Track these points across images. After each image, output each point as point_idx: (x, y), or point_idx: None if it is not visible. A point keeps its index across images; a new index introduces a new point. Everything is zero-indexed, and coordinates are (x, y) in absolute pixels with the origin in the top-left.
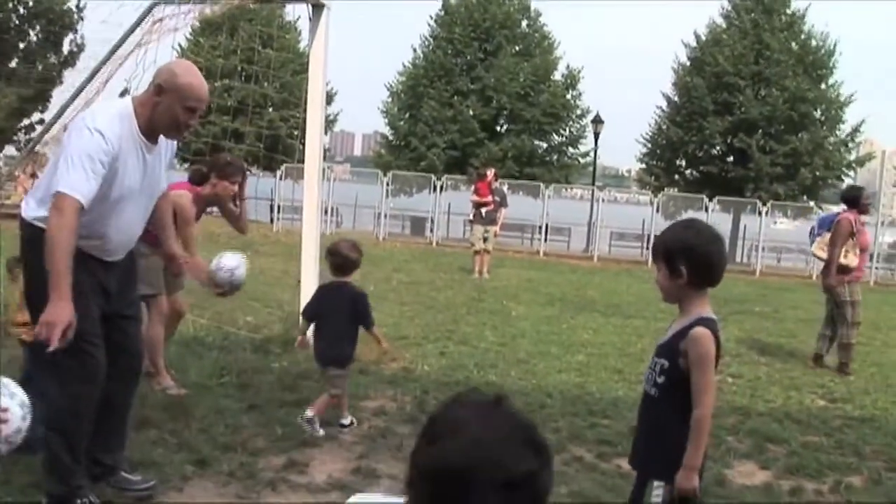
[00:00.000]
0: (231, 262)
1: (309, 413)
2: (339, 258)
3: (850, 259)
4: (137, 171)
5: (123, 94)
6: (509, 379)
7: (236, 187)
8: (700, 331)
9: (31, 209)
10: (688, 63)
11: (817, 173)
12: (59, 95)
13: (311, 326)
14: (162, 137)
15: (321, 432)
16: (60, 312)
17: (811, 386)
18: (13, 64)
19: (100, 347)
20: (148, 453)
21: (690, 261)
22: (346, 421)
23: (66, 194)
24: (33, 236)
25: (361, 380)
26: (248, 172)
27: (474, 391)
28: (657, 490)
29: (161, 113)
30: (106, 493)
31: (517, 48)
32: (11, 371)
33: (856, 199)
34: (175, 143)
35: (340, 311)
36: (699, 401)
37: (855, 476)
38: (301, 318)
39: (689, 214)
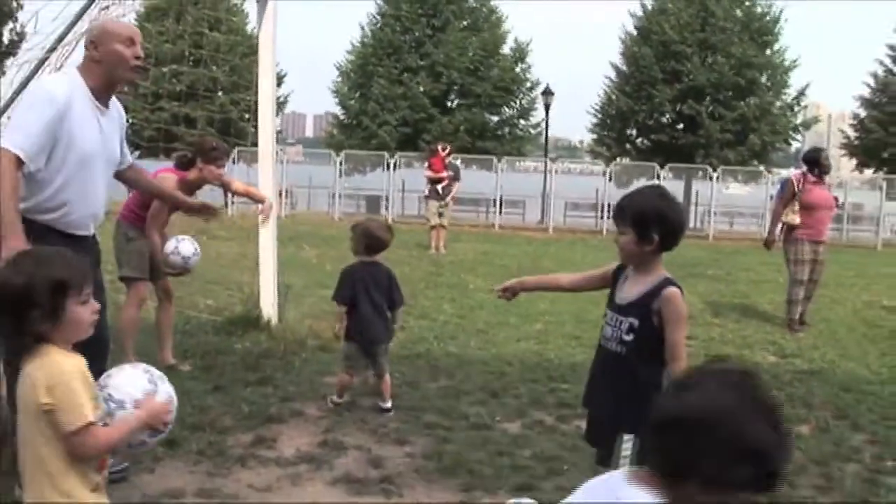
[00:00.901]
0: (188, 250)
1: (387, 405)
2: (372, 239)
3: (790, 217)
4: (94, 135)
5: None
6: (469, 349)
7: (222, 171)
8: (674, 290)
9: None
10: (635, 32)
11: (765, 138)
12: (2, 86)
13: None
14: (114, 105)
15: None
16: (19, 244)
17: (763, 343)
18: None
19: None
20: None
21: (664, 229)
22: (388, 405)
23: (5, 148)
24: None
25: (324, 357)
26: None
27: (728, 362)
28: (627, 443)
29: (107, 61)
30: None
31: (465, 23)
32: None
33: (815, 160)
34: (124, 114)
35: (377, 290)
36: (676, 355)
37: (804, 426)
38: (336, 304)
39: (642, 182)
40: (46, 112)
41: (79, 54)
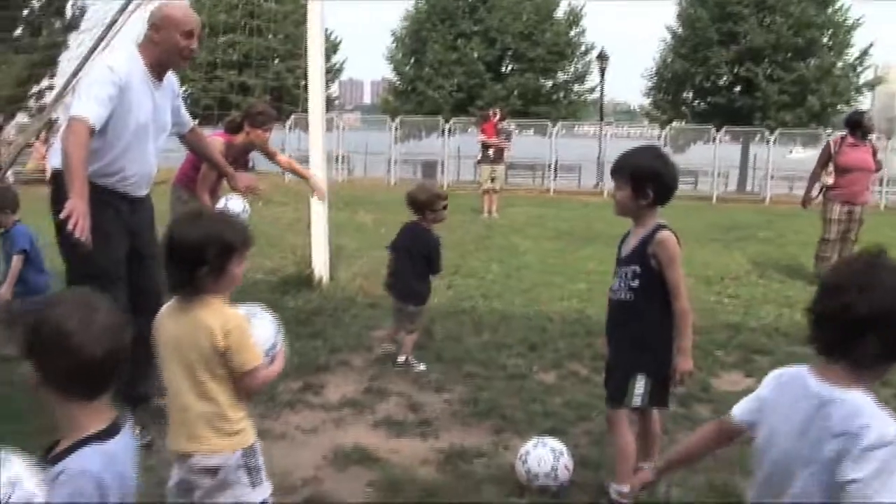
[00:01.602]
0: (237, 207)
1: (400, 359)
2: (408, 198)
3: (824, 179)
4: (148, 107)
5: None
6: (513, 307)
7: (269, 135)
8: (666, 233)
9: (53, 159)
10: None
11: (826, 100)
12: (66, 59)
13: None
14: (167, 79)
15: (423, 366)
16: (79, 204)
17: (806, 303)
18: (18, 32)
19: (120, 287)
20: None
21: (660, 186)
22: (402, 359)
23: (77, 117)
24: (54, 183)
25: (372, 312)
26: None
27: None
28: (639, 382)
29: (163, 46)
30: (143, 418)
31: None
32: None
33: (856, 123)
34: (178, 85)
35: (417, 251)
36: (677, 293)
37: None
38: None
39: (698, 146)
40: (109, 86)
41: (133, 29)
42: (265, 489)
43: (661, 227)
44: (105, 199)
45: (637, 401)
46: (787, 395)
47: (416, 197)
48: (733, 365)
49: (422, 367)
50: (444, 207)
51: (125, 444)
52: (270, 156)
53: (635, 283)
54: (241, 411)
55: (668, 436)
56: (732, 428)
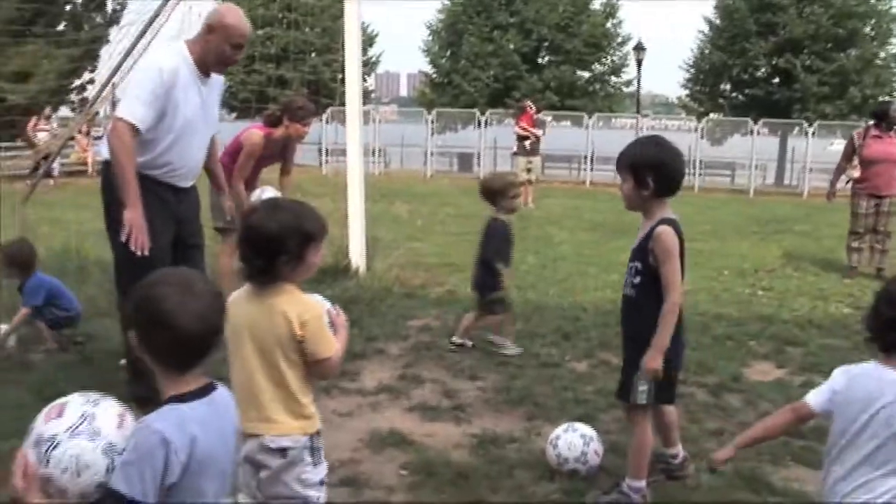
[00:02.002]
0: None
1: (496, 339)
2: (482, 186)
3: (849, 172)
4: (196, 102)
5: None
6: (547, 297)
7: (308, 129)
8: (662, 228)
9: (103, 150)
10: None
11: (867, 91)
12: (107, 54)
13: None
14: (213, 76)
15: (512, 349)
16: (136, 217)
17: (839, 296)
18: (61, 27)
19: None
20: (217, 369)
21: (658, 174)
22: (458, 340)
23: (122, 118)
24: (105, 175)
25: (408, 302)
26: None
27: None
28: (643, 379)
29: (211, 50)
30: None
31: None
32: None
33: (882, 114)
34: (223, 81)
35: (486, 241)
36: (668, 289)
37: None
38: None
39: (735, 139)
40: (156, 84)
41: (174, 24)
42: (323, 468)
43: (662, 221)
44: (152, 189)
45: (641, 398)
46: (860, 386)
47: (491, 184)
48: (765, 356)
49: (512, 350)
50: (517, 196)
51: (209, 409)
52: (285, 165)
53: (637, 280)
54: (310, 395)
55: (699, 425)
56: (808, 413)
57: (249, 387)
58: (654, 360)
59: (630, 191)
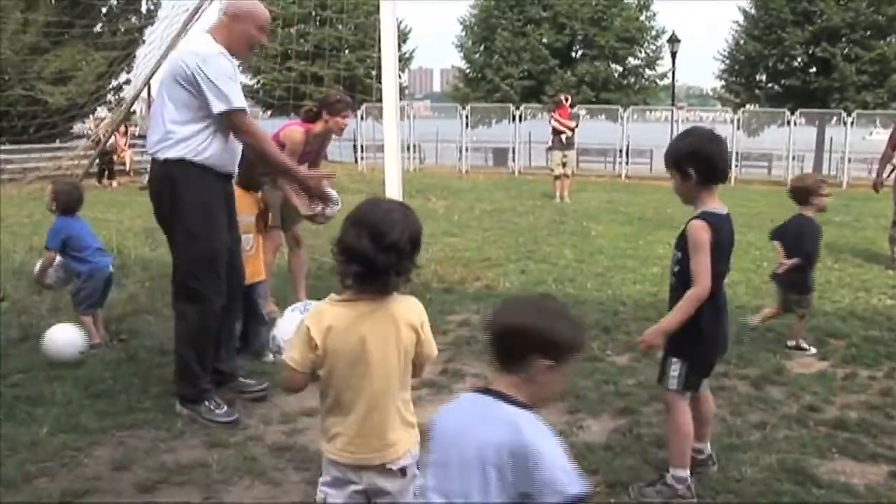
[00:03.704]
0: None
1: (790, 343)
2: (793, 187)
3: (895, 161)
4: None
5: None
6: (586, 291)
7: (347, 121)
8: (694, 222)
9: (161, 150)
10: None
11: None
12: (142, 54)
13: None
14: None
15: (812, 349)
16: (303, 172)
17: (882, 287)
18: (98, 28)
19: (223, 269)
20: (258, 366)
21: (697, 162)
22: (792, 343)
23: (235, 108)
24: (169, 173)
25: (447, 297)
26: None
27: None
28: (675, 365)
29: (238, 36)
30: (227, 395)
31: None
32: None
33: None
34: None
35: (794, 239)
36: (695, 279)
37: None
38: None
39: (772, 129)
40: (228, 68)
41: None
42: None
43: (702, 213)
44: (214, 184)
45: (673, 383)
46: None
47: (802, 183)
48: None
49: (812, 350)
50: (827, 194)
51: None
52: (318, 159)
53: (676, 269)
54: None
55: (742, 417)
56: None
57: (373, 410)
58: (651, 335)
59: (679, 185)
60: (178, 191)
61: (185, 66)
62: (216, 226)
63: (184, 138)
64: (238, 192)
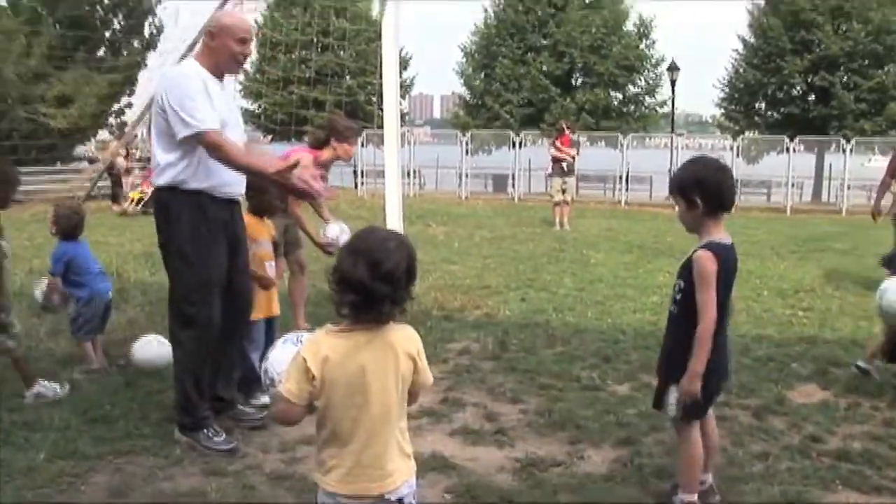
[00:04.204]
0: (332, 233)
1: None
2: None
3: (894, 188)
4: (225, 103)
5: None
6: (586, 319)
7: (354, 147)
8: (701, 252)
9: (155, 177)
10: (763, 3)
11: None
12: (145, 78)
13: None
14: (225, 81)
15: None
16: (280, 165)
17: None
18: (101, 53)
19: (217, 295)
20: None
21: (703, 190)
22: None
23: (203, 130)
24: (162, 200)
25: (446, 325)
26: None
27: None
28: (674, 394)
29: (220, 54)
30: (226, 423)
31: (587, 1)
32: None
33: None
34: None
35: None
36: (701, 315)
37: None
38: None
39: (772, 157)
40: (195, 87)
41: None
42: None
43: (706, 245)
44: (211, 209)
45: (671, 410)
46: None
47: None
48: (808, 377)
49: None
50: None
51: None
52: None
53: (679, 297)
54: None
55: (744, 448)
56: None
57: (372, 440)
58: (689, 383)
59: (683, 213)
60: (171, 217)
61: (159, 95)
62: (211, 252)
63: (170, 164)
64: (251, 219)
